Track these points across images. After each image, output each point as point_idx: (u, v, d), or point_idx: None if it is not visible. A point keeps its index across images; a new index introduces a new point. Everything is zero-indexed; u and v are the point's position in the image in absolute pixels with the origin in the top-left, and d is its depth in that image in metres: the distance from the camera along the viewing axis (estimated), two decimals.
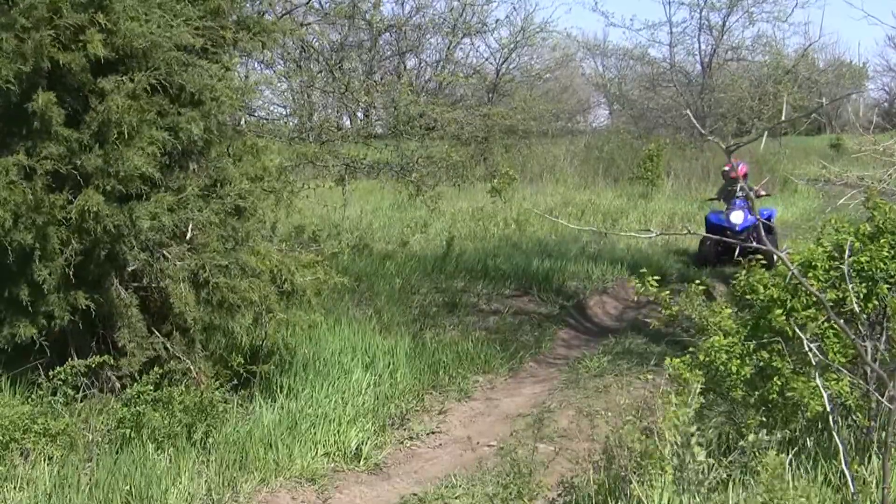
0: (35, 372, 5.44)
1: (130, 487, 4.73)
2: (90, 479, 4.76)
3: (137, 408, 5.13)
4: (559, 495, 4.91)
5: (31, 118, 5.03)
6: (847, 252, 4.23)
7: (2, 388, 5.37)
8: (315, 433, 5.64)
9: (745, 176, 11.92)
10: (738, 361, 4.49)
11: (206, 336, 6.09)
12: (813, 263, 4.52)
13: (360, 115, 14.34)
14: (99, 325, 5.66)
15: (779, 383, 4.38)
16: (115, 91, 5.10)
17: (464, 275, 10.31)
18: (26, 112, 5.01)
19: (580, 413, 6.35)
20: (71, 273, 5.14)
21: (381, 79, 16.88)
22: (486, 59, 22.69)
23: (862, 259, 4.42)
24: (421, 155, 10.73)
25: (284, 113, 11.93)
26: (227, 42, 5.93)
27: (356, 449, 5.63)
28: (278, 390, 6.18)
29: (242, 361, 5.94)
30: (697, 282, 5.39)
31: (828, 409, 4.13)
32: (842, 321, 3.89)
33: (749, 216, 11.48)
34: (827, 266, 4.50)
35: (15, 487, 4.65)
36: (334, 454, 5.57)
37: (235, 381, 5.91)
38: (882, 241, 4.49)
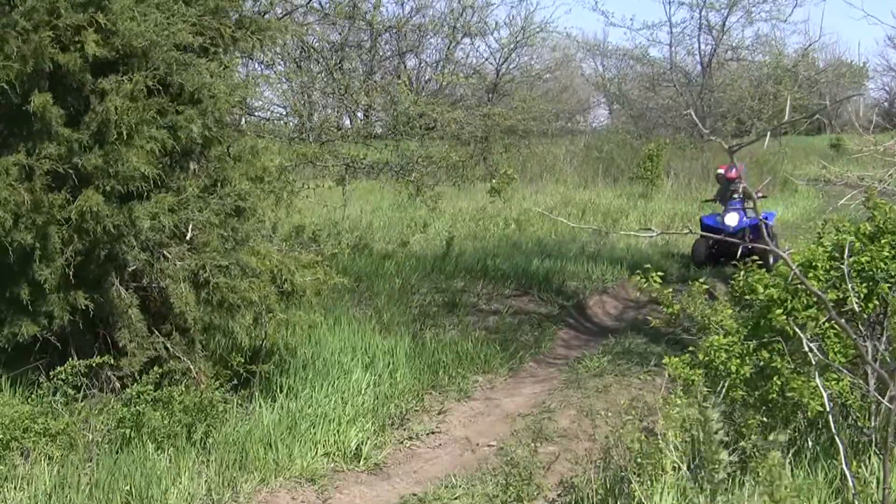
0: (35, 372, 5.44)
1: (130, 487, 4.73)
2: (90, 479, 4.76)
3: (137, 408, 5.13)
4: (559, 495, 4.91)
5: (32, 119, 5.03)
6: (847, 252, 4.23)
7: (2, 387, 5.37)
8: (315, 433, 5.64)
9: (740, 177, 11.80)
10: (738, 361, 4.50)
11: (206, 336, 6.10)
12: (814, 263, 4.52)
13: (360, 115, 14.34)
14: (99, 325, 5.66)
15: (779, 383, 4.38)
16: (114, 91, 5.10)
17: (464, 275, 10.31)
18: (27, 113, 5.01)
19: (580, 413, 6.35)
20: (71, 273, 5.14)
21: (382, 78, 16.87)
22: (486, 60, 22.72)
23: (862, 259, 4.43)
24: (421, 155, 10.73)
25: (284, 113, 11.93)
26: (225, 40, 5.93)
27: (356, 449, 5.63)
28: (278, 390, 6.17)
29: (242, 361, 5.94)
30: (700, 281, 5.39)
31: (828, 408, 4.13)
32: (842, 321, 3.88)
33: (744, 218, 11.44)
34: (827, 266, 4.50)
35: (15, 487, 4.64)
36: (334, 454, 5.57)
37: (235, 381, 5.91)
38: (883, 241, 4.49)
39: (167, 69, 5.32)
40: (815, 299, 4.34)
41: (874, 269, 4.41)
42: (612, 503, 4.33)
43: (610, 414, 5.98)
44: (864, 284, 4.39)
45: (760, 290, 4.68)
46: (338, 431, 5.73)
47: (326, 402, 6.08)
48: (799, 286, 4.42)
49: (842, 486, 4.03)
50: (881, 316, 4.50)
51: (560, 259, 11.42)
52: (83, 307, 5.30)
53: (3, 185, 4.90)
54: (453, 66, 20.86)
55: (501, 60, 22.65)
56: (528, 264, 10.91)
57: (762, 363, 4.49)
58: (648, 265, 6.13)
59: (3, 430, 4.78)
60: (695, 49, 24.30)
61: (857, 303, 4.27)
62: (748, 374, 4.50)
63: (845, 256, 4.21)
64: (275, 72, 10.32)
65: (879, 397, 4.07)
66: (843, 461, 3.88)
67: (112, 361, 5.36)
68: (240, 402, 5.90)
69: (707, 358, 4.57)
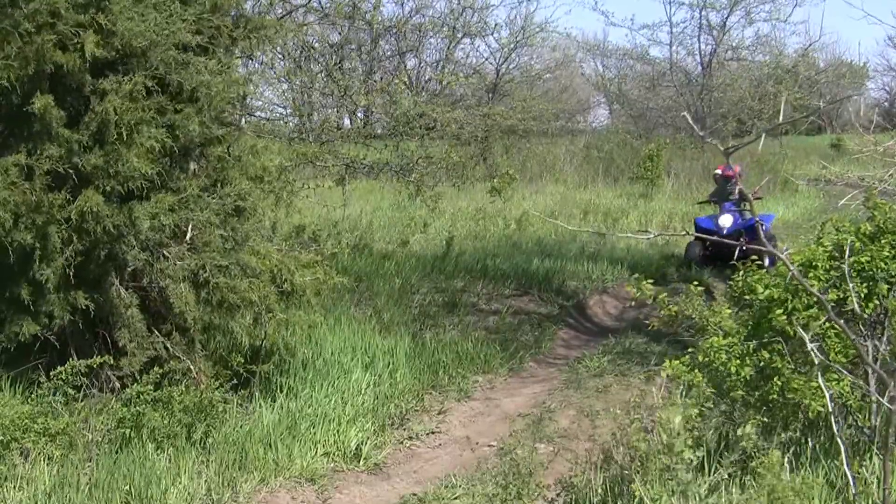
0: (35, 372, 5.44)
1: (130, 487, 4.73)
2: (90, 479, 4.76)
3: (137, 408, 5.13)
4: (559, 495, 4.91)
5: (32, 120, 5.02)
6: (847, 252, 4.23)
7: (2, 387, 5.37)
8: (315, 433, 5.64)
9: (735, 177, 11.64)
10: (738, 361, 4.49)
11: (205, 336, 6.09)
12: (814, 263, 4.52)
13: (360, 115, 14.34)
14: (99, 325, 5.66)
15: (779, 383, 4.38)
16: (113, 91, 5.10)
17: (464, 275, 10.31)
18: (27, 114, 5.01)
19: (580, 413, 6.35)
20: (71, 273, 5.14)
21: (381, 79, 16.87)
22: (486, 59, 22.72)
23: (863, 259, 4.42)
24: (421, 155, 10.71)
25: (284, 113, 11.93)
26: (224, 39, 5.92)
27: (356, 449, 5.63)
28: (278, 390, 6.17)
29: (242, 361, 5.93)
30: (696, 282, 5.39)
31: (829, 409, 4.12)
32: (842, 321, 3.88)
33: (738, 220, 11.30)
34: (828, 266, 4.50)
35: (15, 487, 4.64)
36: (334, 454, 5.57)
37: (235, 381, 5.90)
38: (883, 241, 4.49)
39: (166, 68, 5.32)
40: (815, 299, 4.34)
41: (874, 269, 4.40)
42: (611, 502, 4.32)
43: (611, 414, 5.96)
44: (865, 284, 4.39)
45: (760, 290, 4.68)
46: (338, 431, 5.73)
47: (326, 402, 6.08)
48: (799, 286, 4.42)
49: (842, 486, 4.03)
50: (881, 316, 4.49)
51: (560, 259, 11.42)
52: (83, 307, 5.30)
53: (3, 185, 4.90)
54: (453, 66, 20.86)
55: (501, 60, 22.65)
56: (528, 264, 10.91)
57: (762, 364, 4.49)
58: (648, 266, 6.13)
59: (3, 430, 4.77)
60: (695, 49, 24.30)
61: (857, 303, 4.26)
62: (748, 375, 4.49)
63: (846, 256, 4.20)
64: (275, 71, 10.32)
65: (879, 397, 4.07)
66: (843, 461, 3.88)
67: (112, 361, 5.35)
68: (240, 402, 5.89)
69: (707, 359, 4.57)
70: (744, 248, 10.42)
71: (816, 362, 4.11)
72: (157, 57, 5.28)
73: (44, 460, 4.81)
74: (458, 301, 9.25)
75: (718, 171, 12.37)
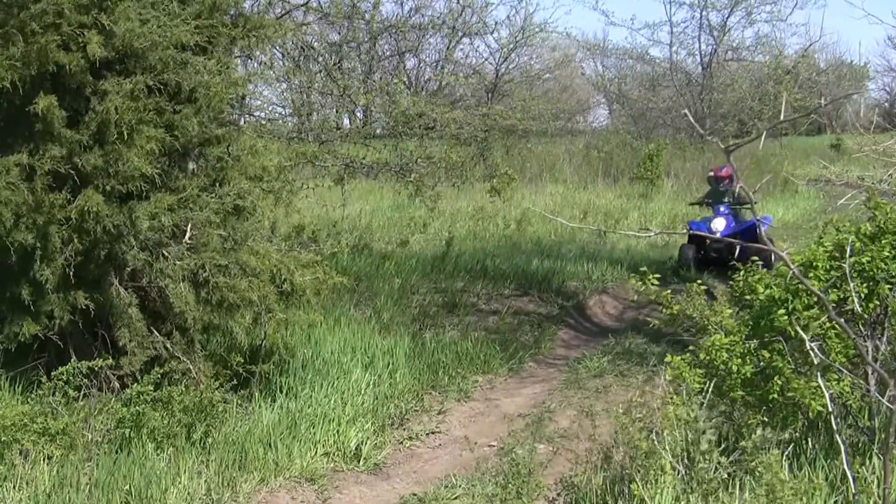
0: (34, 371, 5.44)
1: (130, 487, 4.73)
2: (90, 479, 4.75)
3: (137, 408, 5.12)
4: (559, 495, 4.91)
5: (34, 120, 5.02)
6: (848, 252, 4.23)
7: (1, 387, 5.37)
8: (314, 433, 5.64)
9: (730, 178, 11.40)
10: (739, 361, 4.49)
11: (205, 336, 6.10)
12: (814, 263, 4.52)
13: (359, 114, 14.33)
14: (98, 325, 5.65)
15: (779, 383, 4.38)
16: (114, 91, 5.10)
17: (463, 275, 10.30)
18: (28, 114, 5.00)
19: (580, 413, 6.34)
20: (71, 273, 5.13)
21: (381, 78, 16.86)
22: (486, 60, 22.75)
23: (863, 259, 4.42)
24: (420, 155, 10.70)
25: (284, 113, 11.92)
26: (223, 39, 5.92)
27: (356, 449, 5.62)
28: (278, 390, 6.17)
29: (242, 361, 5.93)
30: (699, 281, 5.39)
31: (829, 409, 4.12)
32: (842, 321, 3.88)
33: (732, 224, 11.00)
34: (828, 266, 4.50)
35: (14, 487, 4.64)
36: (334, 454, 5.57)
37: (235, 381, 5.90)
38: (883, 241, 4.49)
39: (164, 68, 5.32)
40: (815, 299, 4.34)
41: (875, 270, 4.40)
42: (611, 502, 4.32)
43: (611, 414, 5.96)
44: (865, 284, 4.39)
45: (761, 290, 4.68)
46: (337, 431, 5.72)
47: (326, 402, 6.07)
48: (800, 286, 4.42)
49: (842, 486, 4.03)
50: (881, 316, 4.50)
51: (560, 259, 11.42)
52: (83, 307, 5.30)
53: (4, 184, 4.89)
54: (453, 66, 20.89)
55: (501, 60, 22.70)
56: (527, 264, 10.91)
57: (763, 363, 4.49)
58: (644, 269, 6.12)
59: (3, 430, 4.77)
60: (695, 49, 24.31)
61: (857, 303, 4.26)
62: (749, 374, 4.49)
63: (846, 256, 4.20)
64: (274, 71, 10.31)
65: (880, 397, 4.07)
66: (843, 461, 3.88)
67: (112, 362, 5.35)
68: (239, 402, 5.89)
69: (708, 358, 4.57)
70: (737, 252, 10.39)
71: (816, 362, 4.11)
72: (157, 57, 5.28)
73: (43, 460, 4.80)
74: (458, 301, 9.24)
75: (712, 173, 12.11)
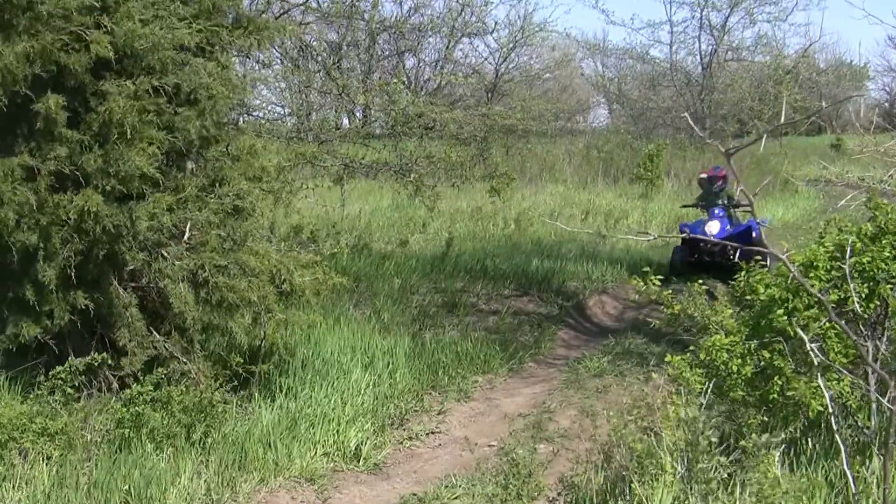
0: (33, 372, 5.43)
1: (129, 487, 4.72)
2: (89, 479, 4.75)
3: (137, 408, 5.12)
4: (559, 495, 4.90)
5: (35, 119, 5.01)
6: (849, 252, 4.23)
7: (0, 387, 5.36)
8: (314, 433, 5.63)
9: (723, 179, 11.23)
10: (739, 361, 4.49)
11: (204, 336, 6.09)
12: (814, 264, 4.52)
13: (358, 114, 14.33)
14: (97, 325, 5.65)
15: (779, 383, 4.38)
16: (117, 93, 5.10)
17: (463, 275, 10.31)
18: (28, 113, 5.00)
19: (580, 413, 6.33)
20: (72, 273, 5.13)
21: (380, 78, 16.86)
22: (486, 59, 22.76)
23: (864, 260, 4.42)
24: (420, 155, 10.70)
25: (283, 113, 11.92)
26: (222, 40, 5.92)
27: (355, 449, 5.62)
28: (277, 390, 6.16)
29: (241, 361, 5.93)
30: (700, 281, 5.40)
31: (829, 409, 4.12)
32: (842, 322, 3.88)
33: (727, 226, 10.79)
34: (828, 266, 4.50)
35: (13, 487, 4.63)
36: (333, 454, 5.56)
37: (234, 382, 5.89)
38: (884, 241, 4.49)
39: (163, 69, 5.32)
40: (816, 299, 4.33)
41: (875, 270, 4.40)
42: (611, 502, 4.31)
43: (611, 414, 5.96)
44: (865, 285, 4.39)
45: (761, 290, 4.68)
46: (337, 431, 5.72)
47: (326, 402, 6.07)
48: (800, 286, 4.41)
49: (842, 486, 4.03)
50: (882, 316, 4.49)
51: (559, 259, 11.41)
52: (82, 307, 5.29)
53: (9, 186, 4.89)
54: (452, 65, 20.89)
55: (500, 60, 22.72)
56: (527, 264, 10.91)
57: (763, 363, 4.49)
58: (647, 268, 6.13)
59: (1, 430, 4.76)
60: (695, 49, 24.32)
61: (858, 303, 4.26)
62: (749, 374, 4.49)
63: (847, 256, 4.20)
64: (273, 71, 10.31)
65: (880, 397, 4.06)
66: (844, 461, 3.88)
67: (111, 361, 5.34)
68: (239, 402, 5.88)
69: (708, 358, 4.57)
70: (735, 255, 10.31)
71: (816, 362, 4.11)
72: (156, 58, 5.28)
73: (42, 460, 4.79)
74: (458, 301, 9.24)
75: (703, 175, 11.82)
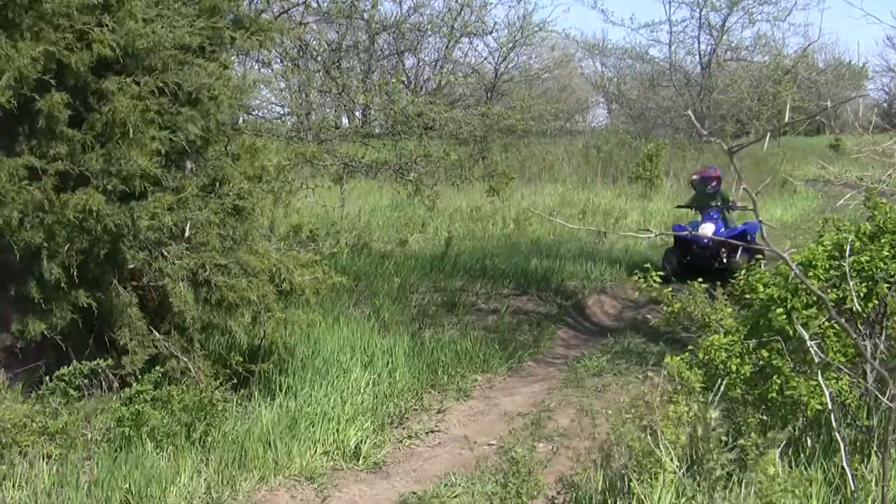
0: (34, 371, 5.43)
1: (130, 486, 4.73)
2: (90, 478, 4.75)
3: (137, 407, 5.13)
4: (559, 493, 4.92)
5: (37, 117, 5.02)
6: (848, 251, 4.24)
7: (0, 387, 5.36)
8: (314, 432, 5.64)
9: (717, 180, 11.16)
10: (738, 360, 4.50)
11: (204, 335, 6.09)
12: (813, 263, 4.53)
13: (357, 114, 14.34)
14: (96, 324, 5.65)
15: (778, 382, 4.39)
16: (119, 92, 5.11)
17: (462, 274, 10.32)
18: (30, 112, 5.01)
19: (579, 412, 6.35)
20: (74, 272, 5.14)
21: (379, 78, 16.87)
22: (485, 59, 22.77)
23: (862, 259, 4.43)
24: (419, 154, 10.71)
25: (282, 112, 11.92)
26: (224, 41, 5.93)
27: (355, 448, 5.63)
28: (277, 389, 6.17)
29: (241, 360, 5.94)
30: (700, 280, 5.41)
31: (829, 407, 4.13)
32: (842, 320, 3.89)
33: (721, 229, 10.60)
34: (827, 265, 4.51)
35: (14, 485, 4.64)
36: (333, 453, 5.57)
37: (234, 380, 5.91)
38: (882, 240, 4.50)
39: (164, 68, 5.33)
40: (815, 298, 4.35)
41: (874, 269, 4.41)
42: (611, 501, 4.32)
43: (610, 412, 5.97)
44: (864, 284, 4.40)
45: (760, 289, 4.69)
46: (337, 430, 5.73)
47: (325, 400, 6.08)
48: (799, 285, 4.43)
49: (841, 484, 4.04)
50: (880, 315, 4.51)
51: (558, 259, 11.43)
52: (84, 305, 5.30)
53: (14, 185, 4.89)
54: (452, 65, 20.90)
55: (500, 60, 22.72)
56: (526, 264, 10.92)
57: (762, 362, 4.50)
58: (648, 265, 6.15)
59: (3, 430, 4.76)
60: (694, 49, 24.36)
61: (857, 302, 4.27)
62: (748, 373, 4.50)
63: (846, 255, 4.21)
64: (272, 70, 10.32)
65: (880, 395, 4.08)
66: (843, 459, 3.89)
67: (112, 362, 5.35)
68: (239, 401, 5.89)
69: (707, 357, 4.58)
70: (723, 259, 10.26)
71: (817, 361, 4.12)
72: (157, 57, 5.29)
73: (43, 459, 4.80)
74: (457, 300, 9.26)
75: (696, 177, 11.62)
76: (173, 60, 5.35)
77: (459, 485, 5.18)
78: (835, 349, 4.42)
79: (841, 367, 4.25)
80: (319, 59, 11.07)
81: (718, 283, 6.99)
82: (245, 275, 5.78)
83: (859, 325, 4.46)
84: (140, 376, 5.30)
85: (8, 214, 4.87)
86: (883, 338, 4.44)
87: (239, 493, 4.96)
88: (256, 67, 9.75)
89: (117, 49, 5.15)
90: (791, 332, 4.37)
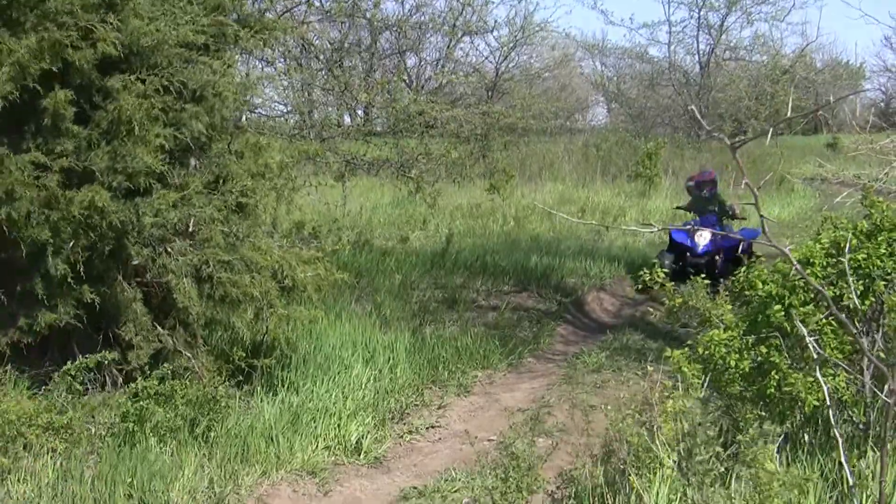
0: (38, 367, 5.47)
1: (133, 480, 4.76)
2: (94, 472, 4.79)
3: (141, 402, 5.17)
4: (558, 488, 4.96)
5: (42, 115, 5.06)
6: (847, 249, 4.28)
7: (5, 383, 5.40)
8: (316, 427, 5.68)
9: (713, 183, 11.01)
10: (737, 356, 4.54)
11: (208, 331, 6.14)
12: (811, 260, 4.57)
13: (360, 112, 14.38)
14: (101, 320, 5.69)
15: (776, 378, 4.43)
16: (125, 90, 5.15)
17: (463, 271, 10.36)
18: (36, 109, 5.04)
19: (579, 408, 6.39)
20: (81, 268, 5.17)
21: (381, 76, 16.91)
22: (486, 58, 22.82)
23: (859, 256, 4.47)
24: (420, 152, 10.74)
25: (285, 110, 11.95)
26: (228, 39, 5.97)
27: (356, 443, 5.67)
28: (279, 384, 6.22)
29: (244, 356, 5.97)
30: (702, 275, 5.45)
31: (827, 402, 4.17)
32: (842, 316, 3.93)
33: (717, 239, 10.21)
34: (825, 263, 4.55)
35: (18, 479, 4.68)
36: (335, 448, 5.61)
37: (237, 376, 5.95)
38: (880, 238, 4.54)
39: (168, 66, 5.36)
40: (812, 295, 4.39)
41: (871, 267, 4.45)
42: (610, 496, 4.37)
43: (609, 408, 6.02)
44: (861, 282, 4.44)
45: (759, 286, 4.73)
46: (338, 425, 5.77)
47: (327, 396, 6.12)
48: (797, 282, 4.47)
49: (838, 479, 4.08)
50: (877, 313, 4.55)
51: (558, 256, 11.47)
52: (89, 300, 5.34)
53: (20, 181, 4.93)
54: (453, 64, 20.93)
55: (501, 59, 22.77)
56: (526, 261, 10.96)
57: (760, 359, 4.54)
58: (646, 264, 6.19)
59: (8, 424, 4.80)
60: (693, 49, 24.40)
61: (855, 299, 4.31)
62: (747, 369, 4.54)
63: (845, 252, 4.25)
64: (275, 69, 10.35)
65: (878, 391, 4.12)
66: (841, 455, 3.93)
67: (117, 357, 5.39)
68: (241, 396, 5.93)
69: (707, 352, 4.62)
70: (717, 268, 10.18)
71: (815, 357, 4.16)
72: (162, 55, 5.32)
73: (47, 453, 4.84)
74: (458, 297, 9.30)
75: (691, 182, 11.32)
76: (178, 58, 5.39)
77: (460, 479, 5.23)
78: (832, 346, 4.46)
79: (838, 363, 4.30)
80: (322, 57, 11.11)
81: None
82: (248, 271, 5.81)
83: (856, 323, 4.51)
84: (144, 372, 5.34)
85: (18, 209, 4.91)
86: (880, 335, 4.48)
87: (241, 487, 5.00)
88: (260, 66, 9.79)
89: (122, 47, 5.19)
90: (789, 329, 4.41)
